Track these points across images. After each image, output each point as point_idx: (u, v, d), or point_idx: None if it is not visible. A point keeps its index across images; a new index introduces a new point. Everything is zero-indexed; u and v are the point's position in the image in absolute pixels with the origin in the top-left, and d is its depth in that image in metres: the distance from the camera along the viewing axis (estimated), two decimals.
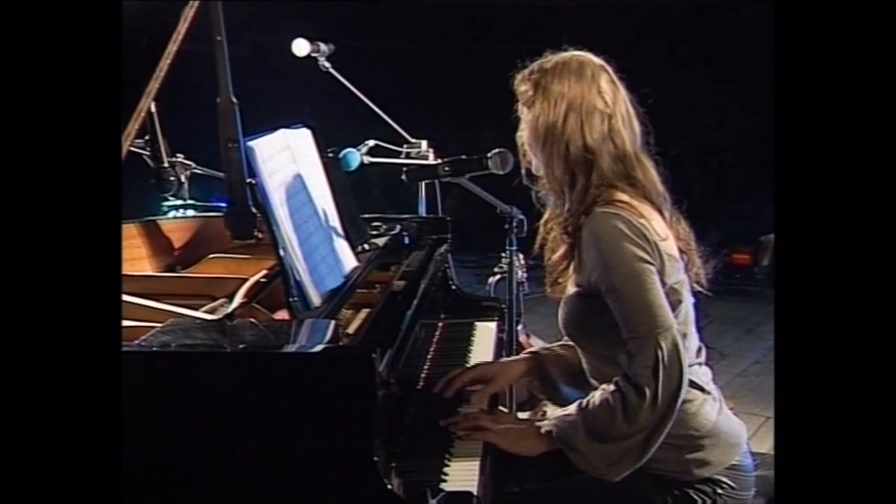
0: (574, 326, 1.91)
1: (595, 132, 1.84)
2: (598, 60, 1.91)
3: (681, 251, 1.87)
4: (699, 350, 1.90)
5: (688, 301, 1.86)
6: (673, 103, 6.39)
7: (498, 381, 2.08)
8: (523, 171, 2.00)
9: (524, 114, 1.93)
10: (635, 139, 1.88)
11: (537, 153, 1.90)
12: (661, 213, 1.86)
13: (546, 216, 1.98)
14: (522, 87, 1.92)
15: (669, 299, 1.76)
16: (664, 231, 1.83)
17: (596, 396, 1.77)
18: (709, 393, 1.84)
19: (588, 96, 1.85)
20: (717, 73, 6.99)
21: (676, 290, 1.81)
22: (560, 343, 2.08)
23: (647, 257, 1.75)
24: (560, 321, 1.94)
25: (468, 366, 2.14)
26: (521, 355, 2.18)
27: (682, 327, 1.80)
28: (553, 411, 1.98)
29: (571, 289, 1.90)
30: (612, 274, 1.75)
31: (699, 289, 1.91)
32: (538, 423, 1.83)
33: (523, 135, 1.95)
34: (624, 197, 1.80)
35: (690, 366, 1.81)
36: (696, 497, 1.79)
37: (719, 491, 1.79)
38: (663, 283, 1.76)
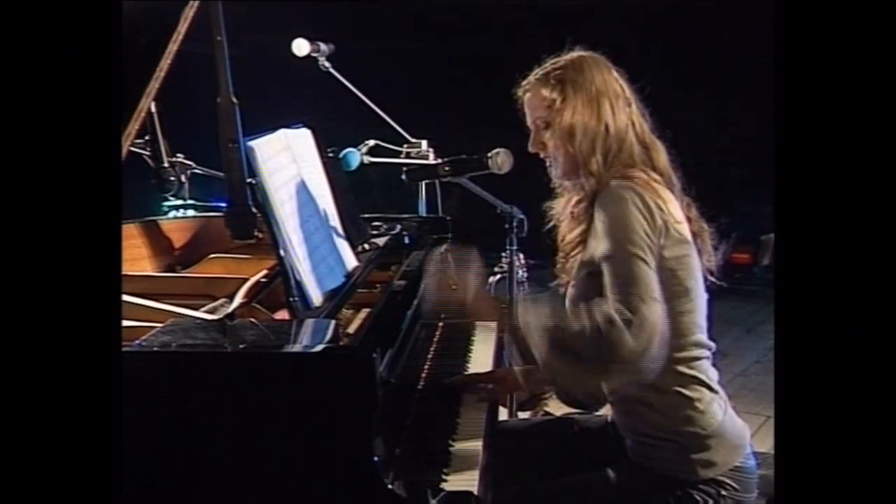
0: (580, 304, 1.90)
1: (622, 117, 1.86)
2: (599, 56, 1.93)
3: (694, 235, 1.87)
4: (708, 346, 1.86)
5: (699, 290, 1.84)
6: (673, 103, 6.38)
7: (502, 386, 2.10)
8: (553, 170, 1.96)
9: (552, 123, 1.88)
10: (647, 124, 1.91)
11: (575, 148, 1.85)
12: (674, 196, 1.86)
13: (563, 201, 1.96)
14: (545, 92, 1.87)
15: (674, 282, 1.75)
16: (680, 215, 1.83)
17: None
18: (716, 392, 1.83)
19: (611, 83, 1.87)
20: (717, 73, 6.99)
21: (681, 275, 1.79)
22: None
23: (649, 232, 1.73)
24: (567, 300, 1.92)
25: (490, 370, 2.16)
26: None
27: (691, 315, 1.80)
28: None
29: (580, 270, 1.88)
30: (612, 241, 1.73)
31: (710, 278, 1.89)
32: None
33: (552, 142, 1.89)
34: (643, 175, 1.81)
35: (699, 360, 1.80)
36: (699, 498, 1.78)
37: (723, 492, 1.79)
38: (664, 258, 1.75)
